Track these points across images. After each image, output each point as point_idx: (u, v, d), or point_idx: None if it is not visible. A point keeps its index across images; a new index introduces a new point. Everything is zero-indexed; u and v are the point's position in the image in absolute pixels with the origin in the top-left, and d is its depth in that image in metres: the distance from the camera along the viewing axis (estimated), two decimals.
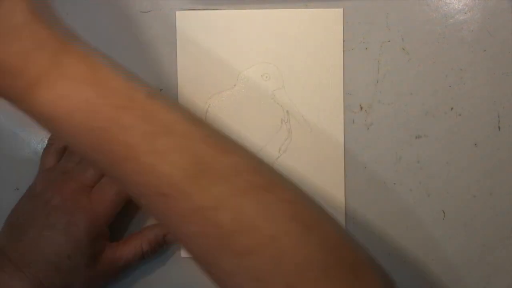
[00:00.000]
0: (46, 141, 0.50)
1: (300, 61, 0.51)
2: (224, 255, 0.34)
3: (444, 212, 0.52)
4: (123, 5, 0.51)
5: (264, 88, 0.51)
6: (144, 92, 0.35)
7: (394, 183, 0.52)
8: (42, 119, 0.34)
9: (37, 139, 0.51)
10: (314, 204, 0.38)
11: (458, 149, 0.52)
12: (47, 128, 0.35)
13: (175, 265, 0.52)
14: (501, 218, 0.52)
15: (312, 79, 0.51)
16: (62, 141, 0.49)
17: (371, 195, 0.52)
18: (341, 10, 0.51)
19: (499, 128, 0.51)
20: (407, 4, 0.51)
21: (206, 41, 0.51)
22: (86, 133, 0.33)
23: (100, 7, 0.51)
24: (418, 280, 0.52)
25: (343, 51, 0.51)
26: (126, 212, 0.48)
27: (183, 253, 0.51)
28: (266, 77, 0.51)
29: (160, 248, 0.50)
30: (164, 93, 0.51)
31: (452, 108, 0.51)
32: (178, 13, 0.51)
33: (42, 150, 0.50)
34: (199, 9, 0.51)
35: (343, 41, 0.51)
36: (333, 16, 0.51)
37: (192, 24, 0.51)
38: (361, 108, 0.51)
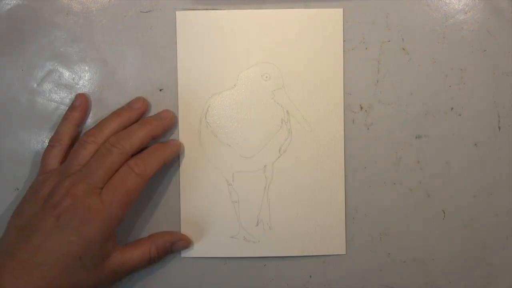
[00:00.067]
0: (47, 142, 0.50)
1: (300, 61, 0.51)
2: None
3: (444, 212, 0.52)
4: (123, 5, 0.51)
5: (264, 88, 0.51)
6: None
7: (394, 183, 0.52)
8: None
9: (37, 139, 0.51)
10: None
11: (458, 149, 0.52)
12: None
13: (175, 265, 0.52)
14: (501, 218, 0.52)
15: (312, 79, 0.51)
16: (64, 142, 0.49)
17: (371, 195, 0.52)
18: (341, 10, 0.51)
19: (499, 128, 0.51)
20: (407, 4, 0.51)
21: (206, 41, 0.51)
22: None
23: (100, 7, 0.51)
24: (418, 280, 0.52)
25: (343, 51, 0.51)
26: (128, 218, 0.48)
27: (183, 254, 0.51)
28: (266, 77, 0.51)
29: (166, 255, 0.50)
30: (164, 93, 0.51)
31: (452, 108, 0.51)
32: (178, 13, 0.51)
33: (42, 151, 0.50)
34: (199, 9, 0.51)
35: (343, 41, 0.51)
36: (333, 16, 0.51)
37: (192, 24, 0.51)
38: (361, 108, 0.51)
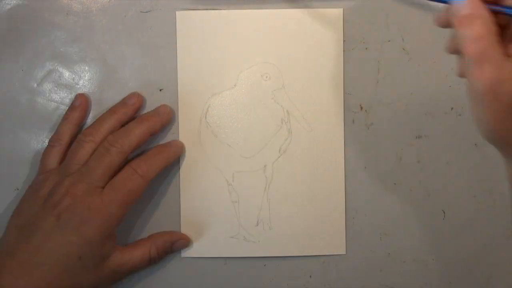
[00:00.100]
0: (47, 142, 0.50)
1: (300, 61, 0.51)
2: None
3: (444, 212, 0.52)
4: (123, 5, 0.51)
5: (264, 88, 0.51)
6: None
7: (394, 183, 0.52)
8: None
9: (37, 139, 0.51)
10: None
11: (458, 149, 0.52)
12: None
13: (175, 265, 0.52)
14: (501, 218, 0.52)
15: (312, 79, 0.51)
16: (64, 142, 0.49)
17: (371, 195, 0.52)
18: (341, 10, 0.51)
19: None
20: (407, 4, 0.51)
21: (206, 41, 0.51)
22: None
23: (100, 7, 0.51)
24: (418, 280, 0.52)
25: (343, 51, 0.51)
26: (128, 218, 0.48)
27: (183, 254, 0.51)
28: (266, 77, 0.51)
29: (166, 256, 0.50)
30: (164, 93, 0.51)
31: (452, 108, 0.51)
32: (178, 13, 0.51)
33: (42, 151, 0.50)
34: (199, 9, 0.51)
35: (343, 41, 0.51)
36: (333, 16, 0.51)
37: (192, 24, 0.51)
38: (361, 108, 0.51)
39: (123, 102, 0.50)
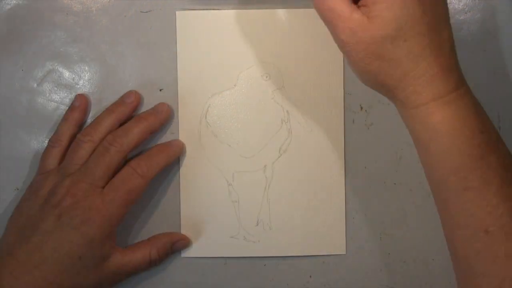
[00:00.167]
0: (47, 142, 0.50)
1: (300, 61, 0.51)
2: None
3: None
4: (123, 5, 0.51)
5: (264, 88, 0.51)
6: None
7: (394, 183, 0.52)
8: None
9: (37, 139, 0.51)
10: None
11: None
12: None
13: (175, 265, 0.52)
14: None
15: (312, 79, 0.51)
16: (64, 143, 0.49)
17: (371, 195, 0.52)
18: None
19: (499, 128, 0.51)
20: None
21: (206, 41, 0.51)
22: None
23: (100, 7, 0.51)
24: (418, 280, 0.52)
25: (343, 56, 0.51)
26: (128, 218, 0.48)
27: (183, 254, 0.51)
28: (266, 77, 0.51)
29: (167, 257, 0.50)
30: (164, 93, 0.51)
31: None
32: (178, 13, 0.51)
33: (42, 151, 0.50)
34: (199, 9, 0.51)
35: None
36: None
37: (192, 24, 0.51)
38: (361, 108, 0.51)
39: (121, 101, 0.50)
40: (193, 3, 0.51)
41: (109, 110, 0.49)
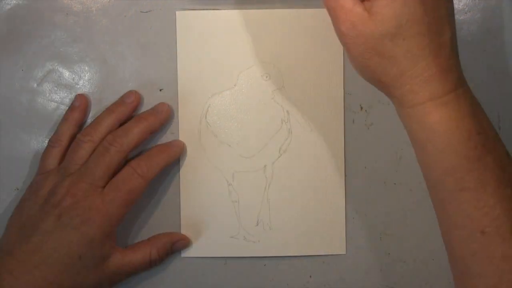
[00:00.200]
0: (47, 142, 0.50)
1: (300, 61, 0.51)
2: None
3: None
4: (123, 5, 0.51)
5: (264, 88, 0.51)
6: None
7: (394, 183, 0.52)
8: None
9: (37, 139, 0.51)
10: None
11: None
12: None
13: (175, 265, 0.52)
14: None
15: (312, 79, 0.51)
16: (64, 143, 0.49)
17: (371, 195, 0.52)
18: None
19: (499, 128, 0.51)
20: None
21: (206, 41, 0.51)
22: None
23: (100, 7, 0.51)
24: (418, 280, 0.52)
25: (343, 51, 0.51)
26: (128, 218, 0.48)
27: (183, 254, 0.51)
28: (266, 77, 0.51)
29: (167, 257, 0.50)
30: (164, 93, 0.51)
31: None
32: (178, 13, 0.51)
33: (42, 151, 0.50)
34: (199, 9, 0.51)
35: None
36: None
37: (192, 24, 0.51)
38: (361, 108, 0.51)
39: (121, 101, 0.50)
40: (193, 3, 0.51)
41: (109, 110, 0.49)
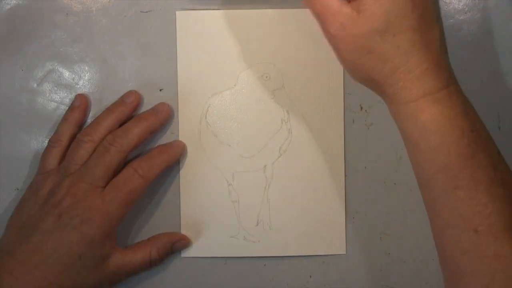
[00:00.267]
0: (47, 142, 0.50)
1: (300, 61, 0.51)
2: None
3: None
4: (123, 5, 0.51)
5: (264, 88, 0.51)
6: None
7: (394, 183, 0.52)
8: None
9: (37, 139, 0.51)
10: None
11: None
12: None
13: (175, 265, 0.52)
14: None
15: (312, 79, 0.51)
16: (64, 143, 0.49)
17: (371, 195, 0.52)
18: None
19: (499, 128, 0.51)
20: None
21: (206, 41, 0.51)
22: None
23: (100, 7, 0.51)
24: (418, 280, 0.52)
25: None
26: (128, 218, 0.48)
27: (183, 254, 0.51)
28: (266, 77, 0.51)
29: (167, 257, 0.50)
30: (164, 93, 0.51)
31: None
32: (178, 13, 0.51)
33: (42, 151, 0.50)
34: (199, 9, 0.51)
35: None
36: None
37: (192, 24, 0.51)
38: (361, 108, 0.51)
39: (121, 101, 0.50)
40: (193, 3, 0.51)
41: (109, 110, 0.49)
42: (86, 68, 0.51)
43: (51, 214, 0.45)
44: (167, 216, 0.51)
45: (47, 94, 0.51)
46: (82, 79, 0.51)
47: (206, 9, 0.51)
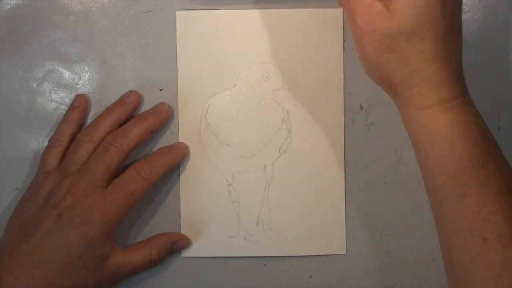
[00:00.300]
0: (47, 142, 0.50)
1: (300, 61, 0.51)
2: None
3: None
4: (123, 5, 0.51)
5: (264, 88, 0.51)
6: None
7: (394, 183, 0.52)
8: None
9: (37, 139, 0.51)
10: None
11: None
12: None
13: (175, 265, 0.52)
14: None
15: (312, 79, 0.51)
16: (64, 143, 0.49)
17: (371, 195, 0.52)
18: (341, 10, 0.51)
19: (499, 128, 0.51)
20: None
21: (206, 41, 0.51)
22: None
23: (100, 7, 0.51)
24: (418, 280, 0.52)
25: (343, 51, 0.51)
26: (129, 218, 0.48)
27: (183, 254, 0.51)
28: (266, 77, 0.51)
29: (167, 257, 0.50)
30: (164, 93, 0.51)
31: None
32: (178, 13, 0.51)
33: (42, 151, 0.50)
34: (199, 9, 0.51)
35: (343, 41, 0.51)
36: (333, 16, 0.51)
37: (192, 24, 0.51)
38: (361, 108, 0.51)
39: (121, 101, 0.50)
40: (193, 3, 0.51)
41: (109, 110, 0.49)
42: (86, 68, 0.51)
43: (51, 214, 0.45)
44: (167, 216, 0.51)
45: (47, 94, 0.51)
46: (82, 79, 0.51)
47: (206, 9, 0.51)
